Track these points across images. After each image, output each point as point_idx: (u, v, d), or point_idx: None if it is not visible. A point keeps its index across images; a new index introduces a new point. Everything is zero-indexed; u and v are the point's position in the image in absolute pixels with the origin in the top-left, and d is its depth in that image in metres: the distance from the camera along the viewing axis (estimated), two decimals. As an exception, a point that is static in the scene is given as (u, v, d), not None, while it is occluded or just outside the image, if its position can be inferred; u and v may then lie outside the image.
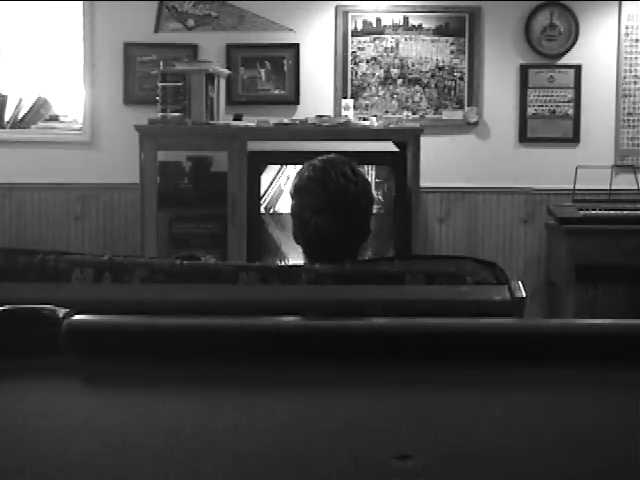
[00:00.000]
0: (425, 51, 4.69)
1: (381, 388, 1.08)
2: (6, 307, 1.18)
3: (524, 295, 1.66)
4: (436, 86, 4.70)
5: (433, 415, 1.00)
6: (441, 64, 4.69)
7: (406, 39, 4.68)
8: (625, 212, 4.40)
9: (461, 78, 4.69)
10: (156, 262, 1.75)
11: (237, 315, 1.30)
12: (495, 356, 1.14)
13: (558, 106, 4.72)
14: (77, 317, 1.20)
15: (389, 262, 1.80)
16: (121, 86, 4.68)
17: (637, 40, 4.69)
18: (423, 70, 4.70)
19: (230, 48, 4.69)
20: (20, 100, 4.72)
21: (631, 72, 4.69)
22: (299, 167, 2.08)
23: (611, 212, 4.41)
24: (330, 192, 1.93)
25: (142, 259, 1.78)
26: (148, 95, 4.53)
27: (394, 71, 4.70)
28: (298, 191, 1.99)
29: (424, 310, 1.64)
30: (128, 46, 4.67)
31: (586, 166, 4.59)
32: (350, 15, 4.66)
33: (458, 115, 4.69)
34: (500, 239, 4.74)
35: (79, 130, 4.71)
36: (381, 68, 4.69)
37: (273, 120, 4.29)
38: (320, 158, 2.01)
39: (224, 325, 1.22)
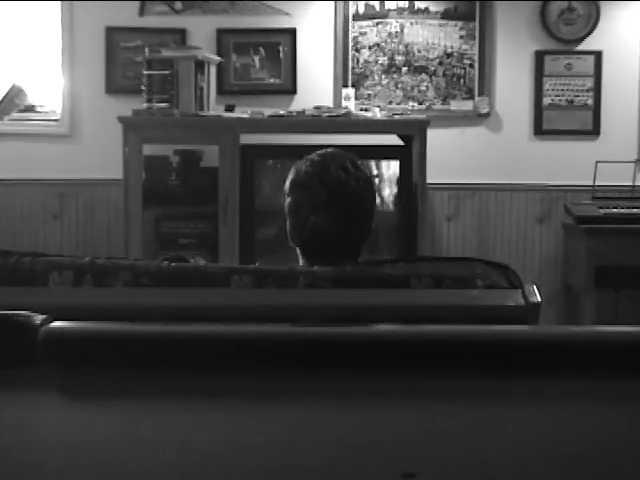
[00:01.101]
0: (432, 36, 4.69)
1: (384, 400, 1.08)
2: (-22, 313, 1.18)
3: (539, 300, 1.66)
4: (444, 74, 4.70)
5: (440, 430, 1.00)
6: (449, 50, 4.70)
7: (412, 23, 4.69)
8: (649, 210, 4.41)
9: (471, 65, 4.70)
10: (141, 264, 1.75)
11: (229, 322, 1.30)
12: (507, 366, 1.14)
13: (577, 96, 4.72)
14: (55, 324, 1.20)
15: (393, 264, 1.80)
16: (103, 74, 4.68)
17: (661, 24, 4.70)
18: (430, 57, 4.70)
19: (221, 33, 4.69)
20: (-7, 89, 4.73)
21: (655, 59, 4.70)
22: (296, 162, 2.08)
23: (634, 210, 4.41)
24: (329, 188, 1.93)
25: (126, 261, 1.78)
26: (132, 84, 4.52)
27: (399, 58, 4.70)
28: (295, 187, 1.99)
29: (431, 316, 1.64)
30: (110, 30, 4.67)
31: (607, 161, 4.60)
32: (351, -3, 4.67)
33: (468, 106, 4.69)
34: (513, 239, 4.75)
35: (57, 121, 4.71)
36: (384, 55, 4.69)
37: (268, 111, 4.29)
38: (319, 152, 2.01)
39: (215, 333, 1.22)
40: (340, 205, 1.93)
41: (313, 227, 1.93)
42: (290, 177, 2.01)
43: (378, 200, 2.04)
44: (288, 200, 2.00)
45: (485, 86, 4.69)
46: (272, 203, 4.29)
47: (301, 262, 2.00)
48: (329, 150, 2.04)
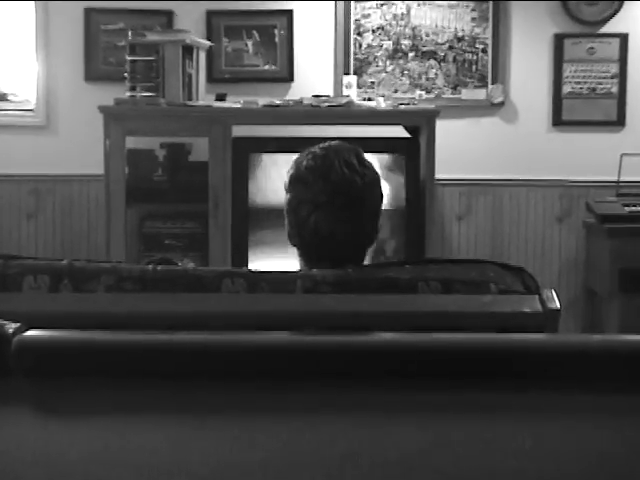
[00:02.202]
0: (441, 18, 4.69)
1: (390, 415, 1.08)
2: (-54, 321, 1.18)
3: (558, 306, 1.66)
4: (454, 60, 4.71)
5: (451, 446, 1.00)
6: (460, 34, 4.70)
7: (419, 4, 4.69)
8: (678, 208, 4.41)
9: (484, 50, 4.70)
10: (124, 268, 1.75)
11: (220, 330, 1.30)
12: (524, 378, 1.14)
13: (599, 83, 4.72)
14: (30, 333, 1.20)
15: (399, 267, 1.81)
16: (82, 60, 4.68)
17: (692, 5, 4.70)
18: (439, 41, 4.71)
19: (211, 15, 4.69)
20: (-37, 77, 4.74)
21: (685, 43, 4.70)
22: (293, 156, 2.08)
23: (661, 208, 4.41)
24: (332, 185, 1.93)
25: (107, 264, 1.78)
26: (114, 71, 4.53)
27: (405, 42, 4.70)
28: (294, 183, 1.99)
29: (440, 324, 1.64)
30: (90, 12, 4.67)
31: (633, 154, 4.60)
32: (353, -24, 4.67)
33: (480, 94, 4.69)
34: (530, 240, 4.75)
35: (32, 112, 4.71)
36: (389, 39, 4.70)
37: (262, 101, 4.29)
38: (322, 145, 2.01)
39: (204, 342, 1.22)
40: (343, 204, 1.93)
41: (314, 227, 1.93)
42: (290, 172, 2.01)
43: (384, 199, 2.04)
44: (287, 197, 2.00)
45: (499, 73, 4.69)
46: (267, 201, 4.30)
47: (300, 265, 2.00)
48: (333, 143, 2.04)
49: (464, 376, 1.15)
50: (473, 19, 4.70)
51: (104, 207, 4.22)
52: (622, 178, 4.58)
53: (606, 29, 4.70)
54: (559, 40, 4.70)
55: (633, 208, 4.42)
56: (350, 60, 4.69)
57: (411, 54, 4.71)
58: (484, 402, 1.11)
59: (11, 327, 1.20)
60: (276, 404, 1.10)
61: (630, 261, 4.30)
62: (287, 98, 4.42)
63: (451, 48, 4.71)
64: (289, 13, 4.67)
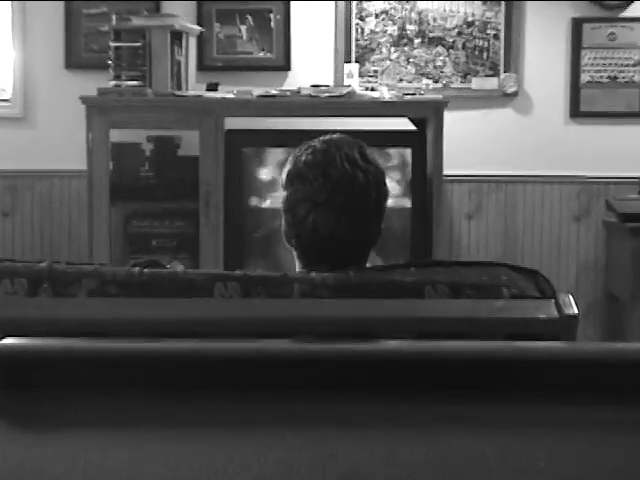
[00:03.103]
0: (450, 2, 4.70)
1: (393, 429, 1.08)
2: None
3: (576, 312, 1.66)
4: (464, 47, 4.71)
5: (459, 464, 1.00)
6: (470, 19, 4.70)
7: (426, -13, 4.70)
8: None
9: (496, 36, 4.70)
10: (108, 270, 1.75)
11: (212, 338, 1.30)
12: (538, 390, 1.14)
13: (621, 71, 4.72)
14: (6, 341, 1.20)
15: (404, 270, 1.81)
16: (62, 46, 4.68)
17: None
18: (447, 26, 4.71)
19: (202, -2, 4.69)
20: None
21: None
22: (290, 150, 2.08)
23: (687, 206, 4.42)
24: (333, 182, 1.94)
25: (90, 267, 1.78)
26: (97, 58, 4.53)
27: (410, 28, 4.71)
28: (292, 180, 1.99)
29: (448, 331, 1.65)
30: (72, -4, 4.67)
31: (655, 148, 4.60)
32: (355, -44, 4.67)
33: (492, 84, 4.70)
34: (545, 241, 4.75)
35: (8, 102, 4.71)
36: (394, 24, 4.70)
37: (257, 91, 4.29)
38: (322, 138, 2.02)
39: (195, 351, 1.22)
40: (345, 202, 1.93)
41: (312, 227, 1.93)
42: (288, 167, 2.01)
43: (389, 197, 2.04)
44: (284, 194, 2.01)
45: (512, 61, 4.69)
46: (262, 199, 4.30)
47: (298, 267, 2.00)
48: (335, 136, 2.04)
49: (474, 388, 1.15)
50: (484, 2, 4.70)
51: (86, 205, 4.22)
52: (645, 174, 4.59)
53: (628, 13, 4.71)
54: (577, 25, 4.70)
55: (657, 206, 4.42)
56: (351, 47, 4.69)
57: (417, 40, 4.71)
58: (496, 416, 1.11)
59: (-14, 335, 1.20)
60: (271, 417, 1.10)
61: (653, 263, 4.30)
62: (284, 88, 4.43)
63: (460, 34, 4.71)
64: (286, -4, 4.67)
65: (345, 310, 1.70)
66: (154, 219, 4.39)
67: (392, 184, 4.32)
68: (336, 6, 4.68)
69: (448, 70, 4.72)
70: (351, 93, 4.27)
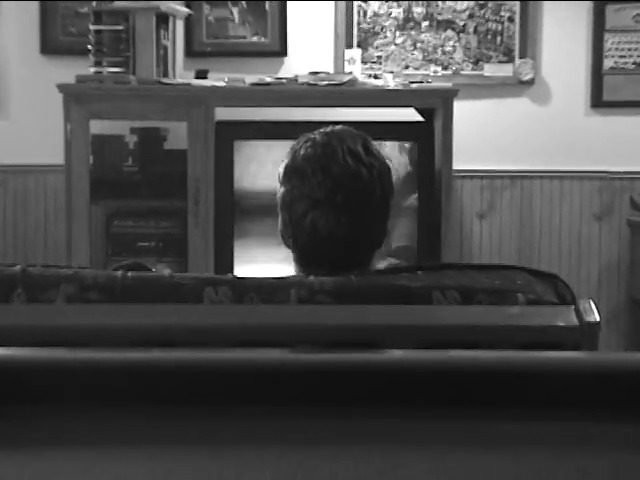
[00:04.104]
0: (461, -18, 4.70)
1: (399, 447, 1.08)
2: None
3: (597, 319, 1.66)
4: (476, 31, 4.71)
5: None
6: (483, 0, 4.71)
7: (434, -35, 4.70)
8: None
9: (510, 19, 4.70)
10: (88, 274, 1.75)
11: (201, 347, 1.31)
12: (557, 405, 1.14)
13: (646, 57, 4.73)
14: (-21, 350, 1.21)
15: (410, 274, 1.81)
16: (37, 29, 4.68)
17: None
18: (458, 8, 4.71)
19: (190, -22, 4.69)
20: None
21: None
22: (286, 143, 2.08)
23: None
24: (334, 178, 1.94)
25: (69, 270, 1.78)
26: (75, 42, 4.53)
27: (417, 10, 4.71)
28: (289, 175, 1.99)
29: (459, 340, 1.65)
30: (49, -25, 4.68)
31: (684, 141, 4.61)
32: None
33: (506, 71, 4.70)
34: (564, 242, 4.75)
35: (-19, 91, 4.71)
36: (399, 6, 4.70)
37: (250, 78, 4.29)
38: (323, 131, 2.02)
39: (183, 361, 1.22)
40: (347, 200, 1.94)
41: (311, 226, 1.94)
42: (285, 162, 2.02)
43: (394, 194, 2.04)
44: (281, 191, 2.01)
45: (528, 45, 4.69)
46: (256, 196, 4.29)
47: (295, 270, 2.00)
48: (336, 128, 2.04)
49: (487, 402, 1.15)
50: (498, -18, 4.70)
51: (64, 203, 4.22)
52: (672, 169, 4.59)
53: (654, -6, 4.71)
54: (600, 6, 4.71)
55: (685, 204, 4.42)
56: (353, 31, 4.69)
57: (425, 23, 4.71)
58: (512, 432, 1.12)
59: (-45, 344, 1.20)
60: (265, 434, 1.10)
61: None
62: (279, 75, 4.43)
63: (472, 16, 4.71)
64: (282, -25, 4.68)
65: (346, 317, 1.70)
66: (138, 218, 4.39)
67: (397, 180, 4.33)
68: (336, -14, 4.68)
69: (458, 56, 4.72)
70: (353, 81, 4.27)
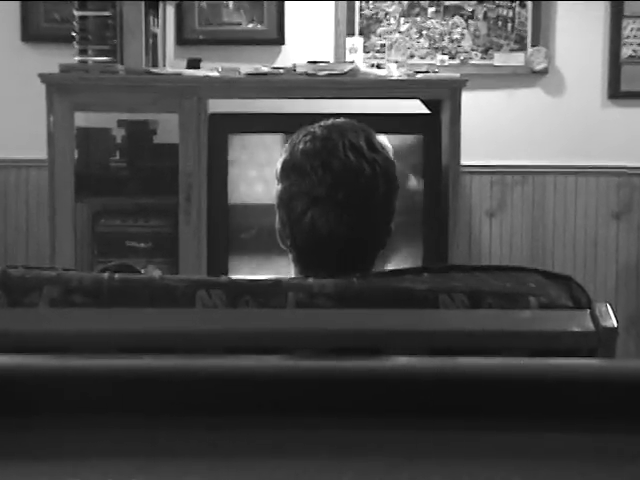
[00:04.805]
0: (469, -35, 4.70)
1: (404, 459, 1.08)
2: None
3: (615, 324, 1.67)
4: (485, 17, 4.72)
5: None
6: (493, -16, 4.71)
7: (441, -53, 4.70)
8: None
9: (522, 5, 4.71)
10: (73, 276, 1.75)
11: (194, 354, 1.31)
12: (572, 415, 1.15)
13: (667, 45, 4.73)
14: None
15: (416, 276, 1.81)
16: (18, 15, 4.68)
17: None
18: (466, -7, 4.72)
19: (182, -39, 4.70)
20: None
21: None
22: (284, 137, 2.08)
23: None
24: (334, 174, 1.94)
25: (52, 272, 1.79)
26: (59, 30, 4.53)
27: (424, -6, 4.72)
28: (288, 171, 2.00)
29: (467, 346, 1.65)
30: (31, -42, 4.68)
31: None
32: None
33: (518, 60, 4.70)
34: (580, 241, 4.75)
35: (-42, 82, 4.72)
36: (404, -10, 4.71)
37: (245, 68, 4.29)
38: (322, 124, 2.02)
39: (175, 368, 1.22)
40: (348, 197, 1.94)
41: (311, 225, 1.94)
42: (282, 157, 2.02)
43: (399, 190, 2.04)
44: (278, 188, 2.01)
45: (542, 32, 4.70)
46: (252, 193, 4.30)
47: (294, 272, 2.01)
48: (337, 121, 2.04)
49: (497, 412, 1.16)
50: (509, -34, 4.71)
51: (47, 200, 4.22)
52: (695, 164, 4.60)
53: (676, -23, 4.71)
54: (617, -9, 4.71)
55: None
56: (355, 17, 4.69)
57: (431, 9, 4.71)
58: (523, 445, 1.12)
59: None
60: (262, 446, 1.11)
61: None
62: (277, 65, 4.43)
63: (481, 2, 4.71)
64: (279, -42, 4.68)
65: (348, 322, 1.70)
66: (126, 217, 4.39)
67: (402, 176, 4.33)
68: (337, -30, 4.68)
69: (467, 44, 4.72)
70: (354, 71, 4.28)
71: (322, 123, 2.03)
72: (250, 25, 4.70)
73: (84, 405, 1.17)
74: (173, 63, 4.44)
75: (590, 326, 1.66)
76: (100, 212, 4.45)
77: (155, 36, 4.33)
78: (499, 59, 4.71)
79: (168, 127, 4.36)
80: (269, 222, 2.09)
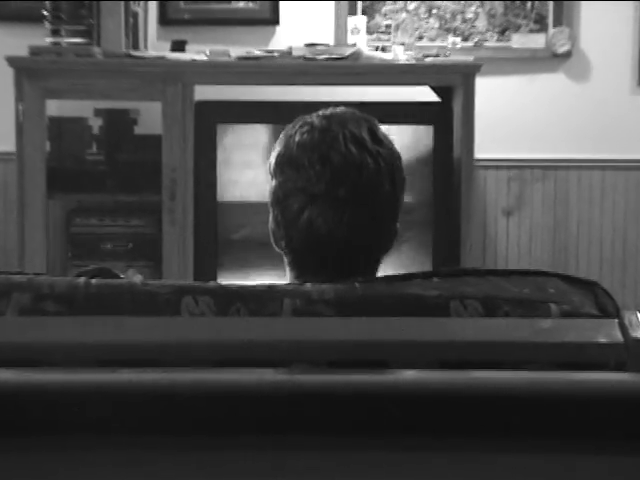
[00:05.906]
0: (484, -63, 4.71)
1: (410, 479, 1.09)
2: None
3: (645, 334, 1.67)
4: (502, -6, 4.73)
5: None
6: (510, -42, 4.72)
7: None
8: None
9: (543, -19, 4.72)
10: (45, 281, 1.76)
11: (179, 366, 1.31)
12: (598, 434, 1.15)
13: (701, 27, 4.74)
14: None
15: (425, 281, 1.81)
16: (-13, -6, 4.69)
17: None
18: (481, -32, 4.72)
19: None
20: None
21: None
22: (279, 127, 2.09)
23: None
24: (334, 169, 1.94)
25: (22, 277, 1.79)
26: (29, 8, 4.53)
27: (433, -30, 4.73)
28: (282, 166, 2.00)
29: (480, 358, 1.65)
30: None
31: None
32: None
33: (538, 42, 4.71)
34: (607, 242, 4.76)
35: None
36: (412, -35, 4.72)
37: (236, 51, 4.30)
38: (322, 113, 2.02)
39: (158, 383, 1.22)
40: (349, 194, 1.94)
41: (308, 225, 1.94)
42: (277, 150, 2.02)
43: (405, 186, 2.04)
44: (272, 185, 2.01)
45: (564, 11, 4.70)
46: (242, 190, 4.30)
47: (289, 277, 2.01)
48: (337, 110, 2.04)
49: (516, 432, 1.16)
50: (527, -62, 4.72)
51: (16, 197, 4.22)
52: None
53: None
54: (646, -33, 4.72)
55: None
56: (357, -6, 4.71)
57: (442, -14, 4.73)
58: (545, 468, 1.12)
59: None
60: (256, 467, 1.11)
61: None
62: (270, 48, 4.43)
63: (497, -22, 4.73)
64: None
65: (350, 332, 1.70)
66: (104, 215, 4.39)
67: (410, 171, 4.33)
68: (337, -58, 4.69)
69: (481, 24, 4.73)
70: (357, 54, 4.28)
71: (320, 113, 2.03)
72: (241, 3, 4.71)
73: (57, 422, 1.18)
74: (156, 45, 4.44)
75: (618, 336, 1.66)
76: (75, 210, 4.45)
77: (136, 15, 4.33)
78: (517, 41, 4.71)
79: (150, 116, 4.36)
80: (262, 222, 2.09)
